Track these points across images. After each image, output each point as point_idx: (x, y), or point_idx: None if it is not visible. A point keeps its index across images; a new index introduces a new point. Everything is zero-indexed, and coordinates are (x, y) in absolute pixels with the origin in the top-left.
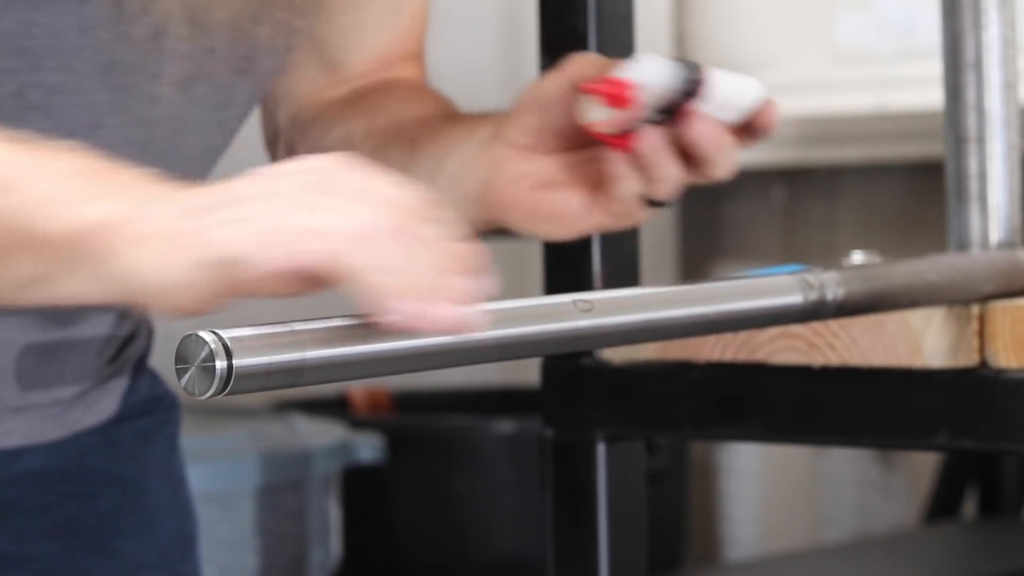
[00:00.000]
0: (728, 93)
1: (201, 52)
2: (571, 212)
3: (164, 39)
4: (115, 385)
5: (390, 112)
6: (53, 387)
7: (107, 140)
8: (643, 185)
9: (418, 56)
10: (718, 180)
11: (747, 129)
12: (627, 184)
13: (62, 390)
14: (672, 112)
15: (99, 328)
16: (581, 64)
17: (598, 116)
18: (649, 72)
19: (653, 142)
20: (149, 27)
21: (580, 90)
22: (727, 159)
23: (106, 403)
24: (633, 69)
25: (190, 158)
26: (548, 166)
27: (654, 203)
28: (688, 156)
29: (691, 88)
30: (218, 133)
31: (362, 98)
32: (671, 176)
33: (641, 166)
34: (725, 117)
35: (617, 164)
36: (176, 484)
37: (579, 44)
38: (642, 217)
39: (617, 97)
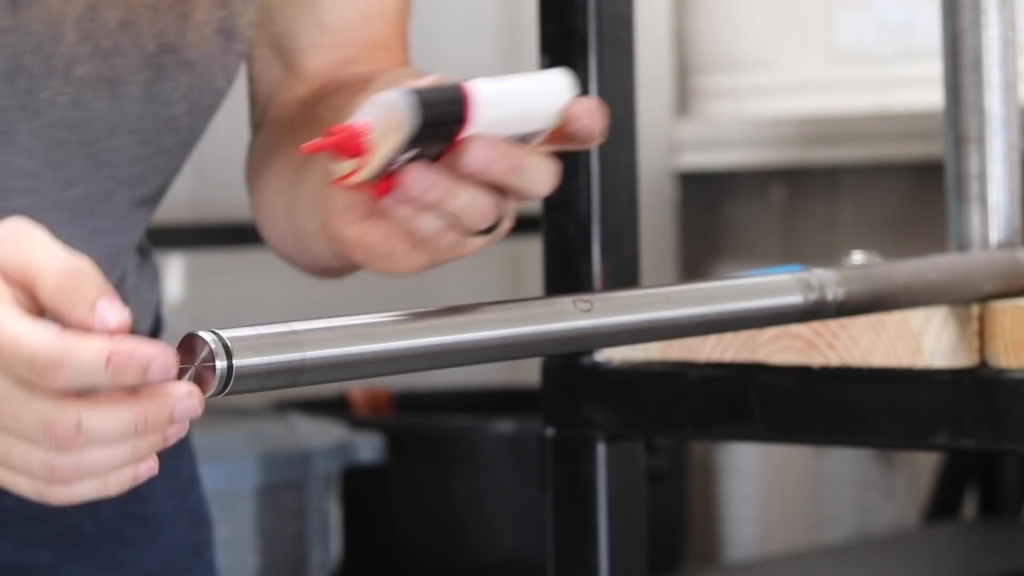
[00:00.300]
0: (515, 105)
1: (105, 52)
2: (397, 249)
3: (61, 42)
4: None
5: (322, 120)
6: None
7: (23, 146)
8: (445, 220)
9: (392, 46)
10: (540, 197)
11: (565, 135)
12: (424, 223)
13: None
14: (449, 140)
15: None
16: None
17: (344, 169)
18: (388, 109)
19: (419, 180)
20: (42, 30)
21: (302, 151)
22: (534, 176)
23: None
24: (371, 108)
25: (138, 159)
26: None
27: (479, 231)
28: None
29: (449, 115)
30: (168, 131)
31: (312, 101)
32: (470, 206)
33: (424, 205)
34: (523, 129)
35: (396, 208)
36: (183, 490)
37: (579, 44)
38: (473, 247)
39: (350, 147)
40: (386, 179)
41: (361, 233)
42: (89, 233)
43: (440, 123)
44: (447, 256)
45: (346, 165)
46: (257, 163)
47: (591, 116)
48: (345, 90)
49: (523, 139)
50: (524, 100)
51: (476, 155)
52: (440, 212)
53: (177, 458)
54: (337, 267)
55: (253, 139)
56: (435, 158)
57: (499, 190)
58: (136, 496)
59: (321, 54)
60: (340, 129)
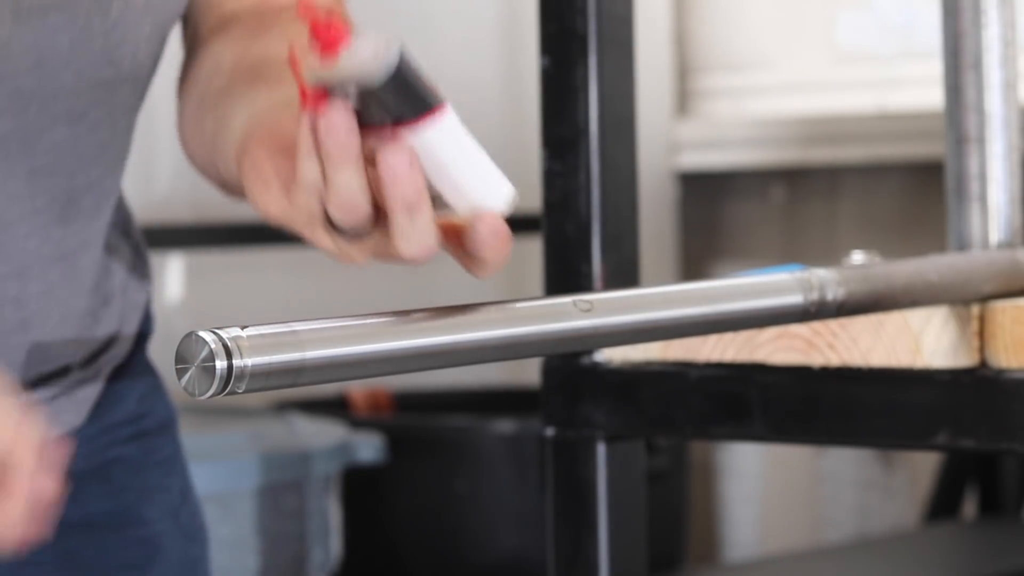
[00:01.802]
0: (460, 161)
1: None
2: (273, 185)
3: None
4: (85, 395)
5: (240, 50)
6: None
7: None
8: (319, 182)
9: None
10: (402, 258)
11: (464, 241)
12: (305, 166)
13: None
14: (395, 121)
15: (56, 325)
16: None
17: (310, 64)
18: (375, 47)
19: (336, 118)
20: None
21: (300, 12)
22: (413, 227)
23: (72, 414)
24: (366, 38)
25: (73, 92)
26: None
27: (337, 227)
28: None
29: (413, 99)
30: (103, 64)
31: (231, 23)
32: (346, 185)
33: (320, 149)
34: (443, 191)
35: (303, 135)
36: (175, 509)
37: (579, 44)
38: (327, 246)
39: (326, 37)
40: (322, 97)
41: (257, 157)
42: (28, 172)
43: (402, 96)
44: (301, 227)
45: (312, 61)
46: (197, 74)
47: (490, 239)
48: (264, 20)
49: (434, 200)
50: (469, 166)
51: (392, 161)
52: (324, 167)
53: (168, 476)
54: (241, 190)
55: (188, 57)
56: (372, 124)
57: (383, 212)
58: (132, 519)
59: None
60: (332, 22)
